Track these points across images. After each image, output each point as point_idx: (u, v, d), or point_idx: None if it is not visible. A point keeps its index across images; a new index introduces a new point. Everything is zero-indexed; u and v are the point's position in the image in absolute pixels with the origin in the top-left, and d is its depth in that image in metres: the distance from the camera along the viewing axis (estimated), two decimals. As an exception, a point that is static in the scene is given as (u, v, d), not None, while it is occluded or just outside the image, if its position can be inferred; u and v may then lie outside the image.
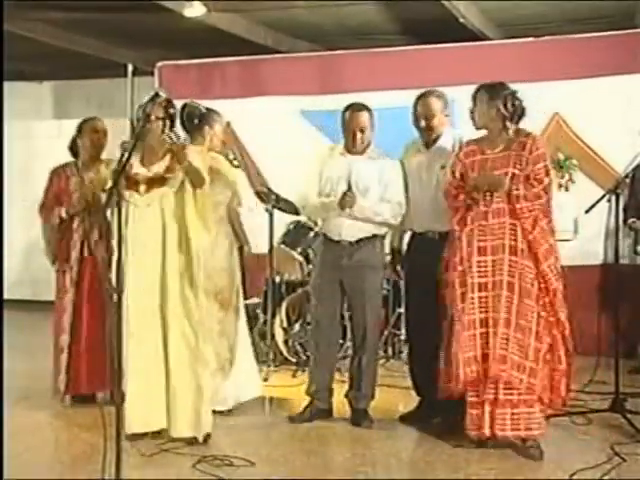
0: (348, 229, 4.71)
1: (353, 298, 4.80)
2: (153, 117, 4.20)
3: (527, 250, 4.11)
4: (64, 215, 5.08)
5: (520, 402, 4.08)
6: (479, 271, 4.14)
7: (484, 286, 4.13)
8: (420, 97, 4.70)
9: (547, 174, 4.15)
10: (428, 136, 4.68)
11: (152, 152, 4.34)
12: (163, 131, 4.28)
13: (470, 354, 4.11)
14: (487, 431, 4.12)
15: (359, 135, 4.70)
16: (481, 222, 4.17)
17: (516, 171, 4.14)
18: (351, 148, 4.76)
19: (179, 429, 4.29)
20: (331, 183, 4.76)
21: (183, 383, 4.28)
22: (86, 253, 5.05)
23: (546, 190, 4.15)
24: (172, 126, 4.38)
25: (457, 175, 4.31)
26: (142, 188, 4.28)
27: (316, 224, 5.03)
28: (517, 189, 4.10)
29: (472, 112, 4.30)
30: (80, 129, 5.16)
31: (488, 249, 4.14)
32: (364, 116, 4.73)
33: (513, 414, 4.09)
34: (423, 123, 4.65)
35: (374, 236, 4.76)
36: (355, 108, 4.74)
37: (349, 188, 4.61)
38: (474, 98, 4.30)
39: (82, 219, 5.06)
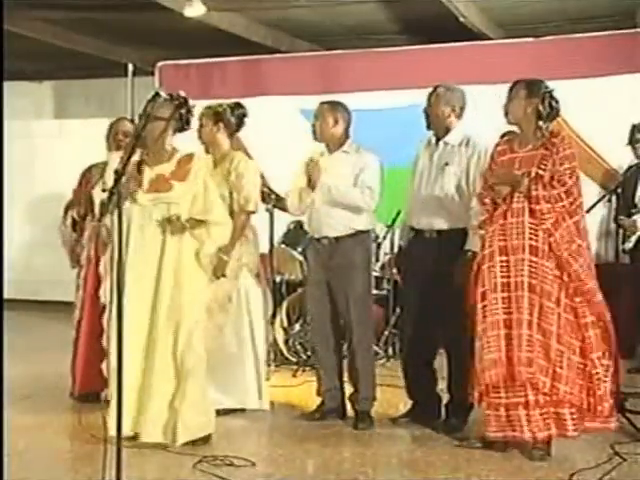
0: (328, 226, 4.70)
1: (338, 297, 4.76)
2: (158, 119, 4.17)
3: (548, 251, 4.01)
4: (76, 217, 5.17)
5: (547, 403, 4.00)
6: (502, 271, 4.06)
7: (506, 286, 4.05)
8: (431, 92, 4.63)
9: (571, 176, 4.04)
10: (435, 131, 4.62)
11: (156, 153, 4.30)
12: (166, 131, 4.28)
13: (493, 355, 4.03)
14: (518, 433, 4.04)
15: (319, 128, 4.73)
16: (501, 221, 4.11)
17: (540, 171, 4.04)
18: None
19: (152, 434, 4.20)
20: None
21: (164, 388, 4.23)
22: (96, 253, 5.03)
23: (569, 192, 4.03)
24: (186, 124, 4.38)
25: (487, 176, 4.25)
26: (145, 187, 4.25)
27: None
28: (536, 189, 3.99)
29: (506, 107, 4.20)
30: (109, 130, 5.19)
31: (509, 248, 4.06)
32: (322, 109, 4.73)
33: (537, 415, 4.00)
34: (428, 118, 4.61)
35: (356, 233, 4.72)
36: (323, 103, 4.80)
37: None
38: (509, 93, 4.19)
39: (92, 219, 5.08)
